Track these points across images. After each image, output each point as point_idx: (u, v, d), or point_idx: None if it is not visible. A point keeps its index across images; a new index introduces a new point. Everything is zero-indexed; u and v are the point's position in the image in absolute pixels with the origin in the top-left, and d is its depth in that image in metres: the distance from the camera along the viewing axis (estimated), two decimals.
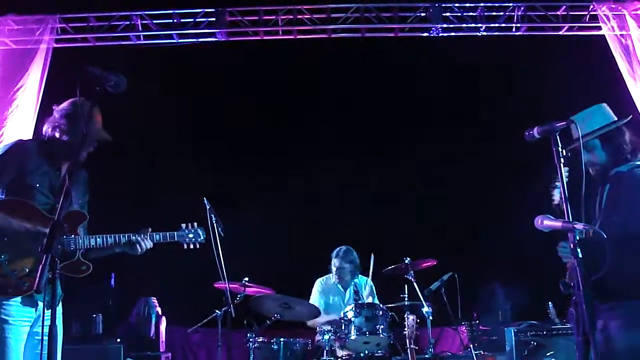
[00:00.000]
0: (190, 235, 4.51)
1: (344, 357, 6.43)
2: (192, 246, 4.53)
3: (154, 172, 8.92)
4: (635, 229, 3.62)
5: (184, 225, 4.50)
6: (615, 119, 3.94)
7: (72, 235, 4.08)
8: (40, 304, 3.98)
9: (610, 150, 3.92)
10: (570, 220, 3.07)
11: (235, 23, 8.33)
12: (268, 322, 6.54)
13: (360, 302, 6.63)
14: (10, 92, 7.78)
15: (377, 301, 7.13)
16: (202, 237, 4.56)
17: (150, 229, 4.28)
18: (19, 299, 3.89)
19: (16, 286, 3.85)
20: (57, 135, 4.12)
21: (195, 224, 4.55)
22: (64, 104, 4.22)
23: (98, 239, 4.13)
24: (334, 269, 7.43)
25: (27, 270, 3.90)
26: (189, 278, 8.11)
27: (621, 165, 3.90)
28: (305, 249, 8.73)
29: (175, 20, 8.27)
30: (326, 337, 6.45)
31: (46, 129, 4.18)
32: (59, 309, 4.07)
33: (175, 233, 4.46)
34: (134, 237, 4.21)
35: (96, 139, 4.17)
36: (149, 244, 4.26)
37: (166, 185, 8.89)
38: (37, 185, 4.00)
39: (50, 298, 3.09)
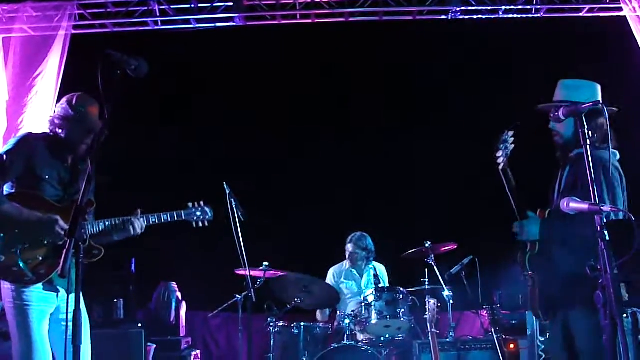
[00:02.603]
0: (198, 214, 4.62)
1: (364, 341, 6.42)
2: (200, 224, 4.64)
3: (171, 156, 8.93)
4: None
5: (190, 204, 4.61)
6: (591, 104, 3.67)
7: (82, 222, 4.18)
8: (61, 290, 4.12)
9: (579, 129, 3.70)
10: (597, 202, 3.03)
11: (253, 7, 8.29)
12: (288, 306, 6.56)
13: (380, 285, 6.61)
14: (29, 79, 7.81)
15: None
16: (209, 215, 4.66)
17: (140, 211, 4.39)
18: (40, 285, 4.00)
19: (32, 274, 3.96)
20: (56, 130, 4.26)
21: (202, 202, 4.65)
22: (62, 101, 4.33)
23: (106, 223, 4.28)
24: (347, 254, 7.43)
25: (41, 258, 4.02)
26: (209, 263, 8.15)
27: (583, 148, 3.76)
28: (324, 234, 8.71)
29: (193, 5, 8.23)
30: (347, 321, 6.45)
31: (48, 125, 4.32)
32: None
33: (183, 212, 4.57)
34: (132, 219, 4.32)
35: (91, 132, 4.25)
36: (143, 223, 4.36)
37: (184, 168, 8.91)
38: (47, 177, 4.14)
39: (75, 282, 3.13)
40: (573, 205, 3.17)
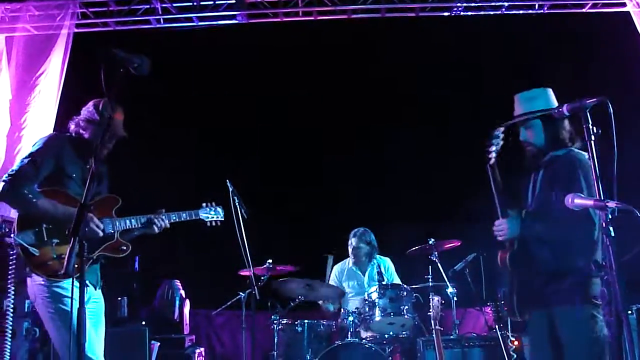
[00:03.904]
0: (212, 213, 4.85)
1: (368, 339, 6.43)
2: (213, 224, 4.88)
3: (172, 155, 8.93)
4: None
5: (204, 204, 4.84)
6: (557, 106, 3.96)
7: (110, 218, 4.34)
8: (90, 286, 4.25)
9: (549, 134, 4.08)
10: (602, 198, 3.02)
11: (255, 5, 8.28)
12: (292, 303, 6.57)
13: (384, 283, 6.61)
14: (32, 78, 7.82)
15: (398, 281, 7.12)
16: (221, 215, 4.91)
17: (164, 210, 4.58)
18: (70, 280, 4.01)
19: (64, 269, 3.95)
20: (80, 132, 4.41)
21: (213, 202, 4.89)
22: (88, 105, 4.49)
23: (133, 220, 4.42)
24: (350, 249, 7.42)
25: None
26: (212, 260, 8.15)
27: (557, 150, 4.07)
28: (327, 230, 8.70)
29: (195, 3, 8.23)
30: (350, 318, 6.45)
31: (71, 126, 4.47)
32: (99, 295, 4.39)
33: (200, 211, 4.79)
34: (155, 218, 4.50)
35: (114, 137, 4.40)
36: (166, 222, 4.54)
37: (186, 168, 8.90)
38: (74, 175, 4.27)
39: (79, 280, 3.23)
40: (578, 201, 3.16)
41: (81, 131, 4.40)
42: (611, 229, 2.93)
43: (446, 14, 8.31)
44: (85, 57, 7.60)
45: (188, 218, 4.71)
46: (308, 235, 8.90)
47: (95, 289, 4.34)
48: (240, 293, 6.61)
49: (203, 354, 7.99)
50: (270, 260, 6.57)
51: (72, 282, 3.35)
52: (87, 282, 4.13)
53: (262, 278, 6.48)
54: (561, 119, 4.01)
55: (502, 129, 4.18)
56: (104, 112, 4.34)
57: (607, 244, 2.92)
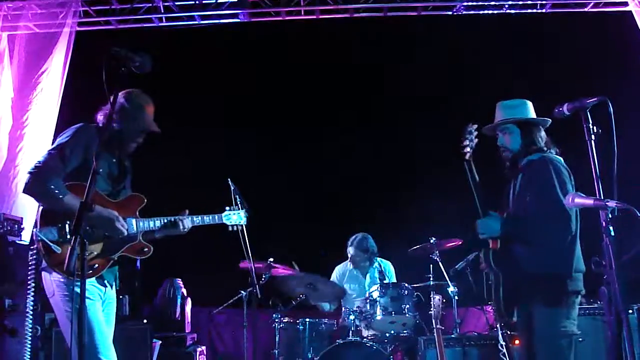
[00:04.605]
0: (234, 217, 4.64)
1: (369, 337, 6.43)
2: (235, 228, 4.67)
3: (172, 153, 8.91)
4: (546, 207, 4.02)
5: (228, 208, 4.65)
6: (535, 117, 4.39)
7: (134, 218, 4.18)
8: (108, 286, 4.13)
9: (526, 140, 4.32)
10: (602, 197, 3.02)
11: (257, 3, 8.28)
12: (293, 302, 6.57)
13: (385, 282, 6.61)
14: (34, 76, 7.84)
15: None
16: (244, 220, 4.70)
17: (187, 211, 4.39)
18: (93, 279, 3.98)
19: (88, 268, 3.84)
20: (111, 125, 4.10)
21: (237, 207, 4.72)
22: (119, 95, 4.12)
23: (157, 221, 4.24)
24: (349, 256, 7.41)
25: (95, 253, 3.99)
26: (214, 259, 8.14)
27: (532, 155, 4.27)
28: (329, 230, 8.70)
29: (197, 2, 8.24)
30: (352, 317, 6.45)
31: (100, 117, 4.23)
32: (114, 295, 4.25)
33: (223, 215, 4.60)
34: (179, 220, 4.31)
35: (145, 131, 4.26)
36: (189, 225, 4.36)
37: (186, 166, 8.89)
38: (100, 170, 4.01)
39: (81, 280, 3.09)
40: (578, 200, 3.18)
41: (112, 124, 4.08)
42: (611, 228, 2.93)
43: (448, 12, 8.31)
44: (88, 56, 7.60)
45: (211, 222, 4.54)
46: (308, 236, 8.88)
47: (112, 289, 4.22)
48: (242, 291, 6.61)
49: (204, 352, 7.99)
50: (271, 259, 6.57)
51: (74, 286, 3.25)
52: (105, 282, 4.09)
53: (264, 276, 6.48)
54: (537, 127, 4.32)
55: (475, 125, 4.40)
56: (137, 103, 4.18)
57: (607, 243, 2.92)
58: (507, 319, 4.35)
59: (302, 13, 8.40)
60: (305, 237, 8.79)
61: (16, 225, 6.42)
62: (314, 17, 8.39)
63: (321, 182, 9.16)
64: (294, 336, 6.46)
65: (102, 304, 4.12)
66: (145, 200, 4.27)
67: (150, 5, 8.24)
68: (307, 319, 6.47)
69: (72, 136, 4.03)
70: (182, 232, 4.35)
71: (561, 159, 4.27)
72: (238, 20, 8.39)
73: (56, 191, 3.83)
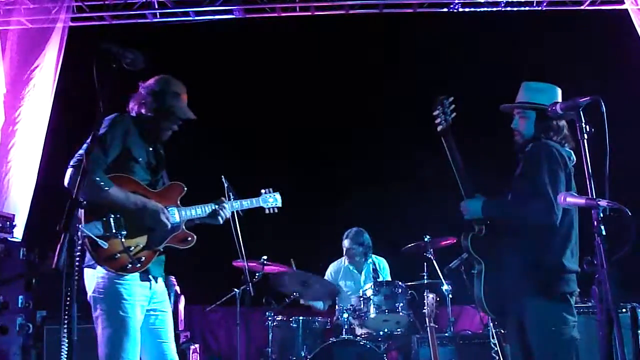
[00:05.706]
0: (271, 200, 4.62)
1: (363, 336, 6.42)
2: (272, 211, 4.64)
3: (166, 152, 8.88)
4: (528, 187, 3.90)
5: (263, 191, 4.61)
6: (551, 104, 3.92)
7: (176, 207, 4.09)
8: (153, 281, 4.01)
9: (540, 128, 4.07)
10: (594, 196, 3.00)
11: None
12: (287, 300, 6.56)
13: (379, 280, 6.59)
14: (26, 72, 7.80)
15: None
16: (279, 202, 4.66)
17: (224, 198, 4.34)
18: (137, 275, 3.87)
19: (133, 262, 3.81)
20: (143, 111, 4.09)
21: (271, 189, 4.66)
22: (150, 81, 4.17)
23: (198, 209, 4.17)
24: (344, 250, 7.39)
25: (141, 246, 3.89)
26: (207, 257, 8.10)
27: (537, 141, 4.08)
28: (322, 228, 8.67)
29: None
30: (345, 315, 6.44)
31: (132, 105, 4.14)
32: (162, 293, 4.12)
33: (260, 198, 4.58)
34: (218, 206, 4.25)
35: (181, 118, 4.18)
36: (228, 212, 4.32)
37: (180, 165, 8.84)
38: (140, 159, 3.99)
39: (69, 279, 3.00)
40: (570, 199, 3.16)
41: (144, 110, 4.06)
42: (602, 227, 2.91)
43: (444, 10, 8.30)
44: (81, 52, 7.56)
45: (249, 206, 4.50)
46: (304, 235, 8.86)
47: (157, 282, 4.07)
48: (235, 289, 6.59)
49: (198, 350, 7.97)
50: (265, 257, 6.55)
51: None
52: (150, 276, 3.96)
53: (257, 275, 6.46)
54: (558, 119, 3.99)
55: (451, 98, 4.34)
56: (170, 91, 4.12)
57: (599, 242, 2.90)
58: (491, 315, 4.25)
59: (297, 10, 8.38)
60: (299, 237, 8.76)
61: (8, 222, 6.39)
62: (309, 13, 8.36)
63: (315, 180, 9.13)
64: (288, 334, 6.45)
65: (150, 302, 3.98)
66: (186, 189, 4.18)
67: (145, 0, 8.20)
68: (301, 317, 6.46)
69: (110, 126, 3.89)
70: (219, 222, 4.29)
71: (568, 149, 4.05)
72: (233, 16, 8.35)
73: (102, 183, 3.70)
